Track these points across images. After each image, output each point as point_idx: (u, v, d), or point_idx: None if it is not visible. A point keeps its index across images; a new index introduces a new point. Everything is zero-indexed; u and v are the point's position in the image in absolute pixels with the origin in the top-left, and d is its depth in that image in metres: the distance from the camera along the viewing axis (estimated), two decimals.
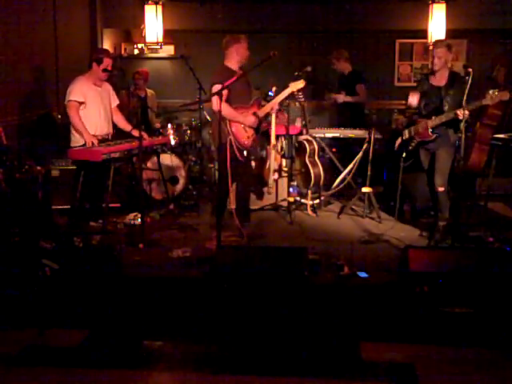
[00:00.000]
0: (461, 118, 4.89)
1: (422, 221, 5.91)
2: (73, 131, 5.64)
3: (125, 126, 6.02)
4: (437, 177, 5.44)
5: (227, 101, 5.28)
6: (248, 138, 5.47)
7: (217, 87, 5.17)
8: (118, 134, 6.21)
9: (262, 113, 5.55)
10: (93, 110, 5.66)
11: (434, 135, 5.35)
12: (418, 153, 5.63)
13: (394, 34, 8.68)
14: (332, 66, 7.41)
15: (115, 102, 6.01)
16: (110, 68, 5.69)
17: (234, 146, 5.38)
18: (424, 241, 5.53)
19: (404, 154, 5.64)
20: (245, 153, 5.49)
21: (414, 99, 5.59)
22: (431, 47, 5.53)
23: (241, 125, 5.43)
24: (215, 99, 5.17)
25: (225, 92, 5.16)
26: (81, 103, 5.55)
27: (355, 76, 7.31)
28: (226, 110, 5.26)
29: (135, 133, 5.67)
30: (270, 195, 6.68)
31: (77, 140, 5.61)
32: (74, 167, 5.74)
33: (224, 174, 5.25)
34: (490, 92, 4.94)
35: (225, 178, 5.26)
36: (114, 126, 6.09)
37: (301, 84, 5.60)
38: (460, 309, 3.94)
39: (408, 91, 5.83)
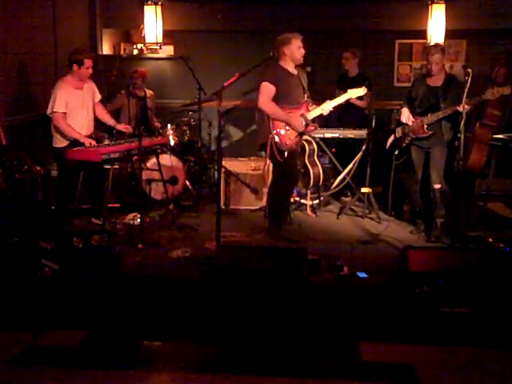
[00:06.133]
0: (461, 110, 4.88)
1: (417, 221, 5.89)
2: (53, 132, 5.65)
3: (107, 119, 6.03)
4: (433, 174, 5.49)
5: (274, 99, 5.27)
6: (290, 139, 5.38)
7: (267, 86, 5.21)
8: (118, 134, 6.22)
9: (310, 115, 5.44)
10: (75, 114, 5.64)
11: (430, 132, 5.41)
12: (410, 151, 5.67)
13: (394, 35, 8.67)
14: (343, 61, 7.36)
15: (97, 97, 5.98)
16: (91, 70, 5.64)
17: (274, 146, 5.33)
18: (423, 241, 5.54)
19: (396, 152, 5.74)
20: (285, 154, 5.39)
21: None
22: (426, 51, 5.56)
23: (285, 125, 5.35)
24: (262, 96, 5.23)
25: (272, 90, 5.22)
26: (64, 113, 5.55)
27: (364, 80, 7.26)
28: (271, 108, 5.27)
29: (119, 127, 5.86)
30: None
31: (60, 140, 5.63)
32: (72, 167, 5.73)
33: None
34: (491, 89, 4.96)
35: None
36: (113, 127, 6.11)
37: (361, 91, 5.56)
38: (460, 309, 3.95)
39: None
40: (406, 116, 5.59)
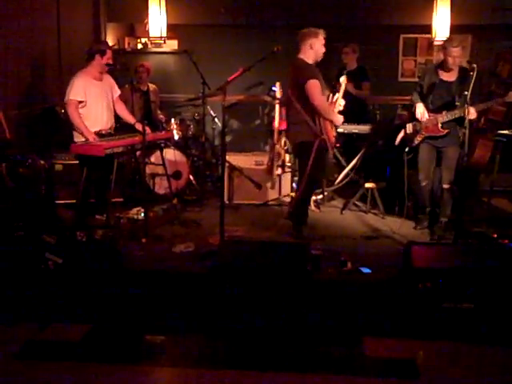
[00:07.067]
0: (471, 117, 4.86)
1: (419, 216, 5.86)
2: (74, 127, 5.62)
3: (128, 117, 5.96)
4: (445, 174, 5.41)
5: None
6: (333, 136, 5.33)
7: (316, 83, 5.09)
8: (122, 127, 6.21)
9: (336, 110, 5.41)
10: (95, 106, 5.60)
11: (446, 131, 5.27)
12: (417, 148, 5.55)
13: (399, 29, 8.65)
14: (343, 55, 7.38)
15: (117, 93, 5.94)
16: (111, 61, 5.66)
17: (329, 146, 5.25)
18: (426, 237, 5.52)
19: (407, 149, 5.57)
20: (331, 153, 5.34)
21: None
22: (439, 43, 5.47)
23: (329, 123, 5.27)
24: (317, 94, 5.11)
25: (320, 87, 5.13)
26: (80, 101, 5.50)
27: (362, 73, 7.28)
28: (325, 106, 5.20)
29: (138, 126, 5.68)
30: (274, 190, 6.68)
31: (80, 136, 5.55)
32: (77, 162, 5.73)
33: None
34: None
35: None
36: (118, 120, 6.08)
37: (343, 78, 5.55)
38: (463, 305, 3.94)
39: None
40: (421, 112, 5.37)
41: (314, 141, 5.19)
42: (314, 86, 5.11)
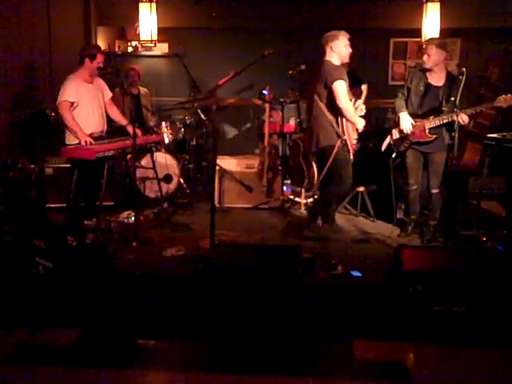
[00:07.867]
0: (463, 123, 4.89)
1: (403, 225, 5.81)
2: (67, 130, 5.59)
3: (121, 119, 5.96)
4: (432, 179, 5.38)
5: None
6: (355, 139, 5.34)
7: (343, 84, 5.11)
8: (114, 131, 6.20)
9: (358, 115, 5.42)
10: (86, 108, 5.58)
11: (434, 136, 5.23)
12: (404, 153, 5.50)
13: (389, 33, 8.70)
14: None
15: (108, 95, 5.92)
16: (102, 64, 5.65)
17: (349, 148, 5.26)
18: (416, 240, 5.53)
19: (394, 155, 5.52)
20: (351, 156, 5.34)
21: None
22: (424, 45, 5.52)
23: (351, 125, 5.27)
24: (343, 95, 5.11)
25: (346, 89, 5.15)
26: (72, 103, 5.48)
27: (354, 78, 7.29)
28: (351, 108, 5.20)
29: (130, 128, 5.64)
30: (264, 193, 6.69)
31: (72, 138, 5.51)
32: (68, 165, 5.70)
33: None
34: (504, 95, 4.93)
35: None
36: (109, 123, 6.07)
37: (364, 87, 5.55)
38: (453, 308, 3.96)
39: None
40: (407, 125, 5.29)
41: (335, 144, 5.21)
42: (341, 88, 5.12)
